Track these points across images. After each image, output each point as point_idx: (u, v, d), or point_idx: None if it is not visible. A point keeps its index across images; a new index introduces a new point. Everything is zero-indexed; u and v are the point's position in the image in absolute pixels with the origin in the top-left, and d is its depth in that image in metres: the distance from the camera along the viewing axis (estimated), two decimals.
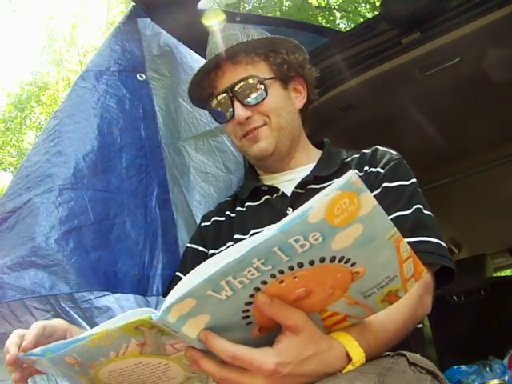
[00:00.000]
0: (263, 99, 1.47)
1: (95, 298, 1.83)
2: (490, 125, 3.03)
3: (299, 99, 1.59)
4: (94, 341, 0.81)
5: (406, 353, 0.98)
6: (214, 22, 2.18)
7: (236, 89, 1.47)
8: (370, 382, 0.83)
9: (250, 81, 1.47)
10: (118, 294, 1.86)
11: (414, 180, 1.40)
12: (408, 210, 1.31)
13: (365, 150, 1.52)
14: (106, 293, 1.84)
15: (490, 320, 2.92)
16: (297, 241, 0.71)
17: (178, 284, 0.77)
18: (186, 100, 2.29)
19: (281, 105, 1.51)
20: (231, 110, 1.48)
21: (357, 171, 1.42)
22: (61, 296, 1.75)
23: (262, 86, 1.47)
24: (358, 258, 0.77)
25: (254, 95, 1.47)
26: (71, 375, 0.92)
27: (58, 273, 1.56)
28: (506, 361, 2.34)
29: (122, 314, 0.88)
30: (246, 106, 1.47)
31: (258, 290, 0.77)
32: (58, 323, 1.15)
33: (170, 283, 1.65)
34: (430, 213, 1.34)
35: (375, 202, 0.73)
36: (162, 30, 2.32)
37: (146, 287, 1.81)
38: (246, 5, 10.02)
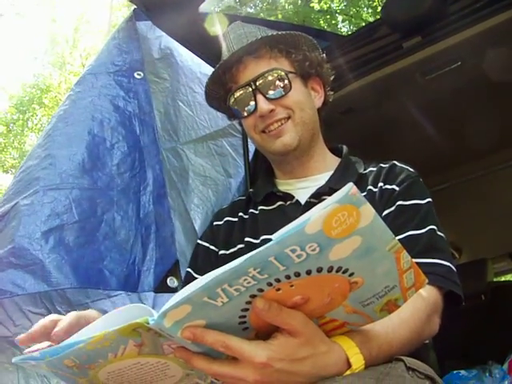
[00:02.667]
0: (287, 92, 1.44)
1: (91, 301, 1.82)
2: (491, 129, 3.03)
3: (317, 98, 1.57)
4: (91, 343, 0.81)
5: (403, 358, 0.98)
6: (215, 24, 2.18)
7: (259, 81, 1.44)
8: None
9: (275, 74, 1.44)
10: (115, 298, 1.86)
11: (430, 200, 1.38)
12: (421, 229, 1.30)
13: (382, 164, 1.49)
14: (103, 296, 1.84)
15: (491, 325, 2.91)
16: (293, 251, 0.70)
17: (177, 293, 0.77)
18: (185, 103, 2.29)
19: (304, 100, 1.49)
20: (253, 103, 1.45)
21: (372, 186, 1.42)
22: (56, 300, 1.75)
23: (286, 80, 1.45)
24: (357, 269, 0.77)
25: (277, 88, 1.44)
26: (70, 377, 0.92)
27: (35, 272, 1.57)
28: (505, 366, 2.33)
29: (118, 309, 0.87)
30: (269, 99, 1.44)
31: (254, 296, 0.77)
32: (91, 313, 1.11)
33: (184, 280, 1.64)
34: (442, 234, 1.33)
35: (375, 215, 0.71)
36: (164, 33, 2.32)
37: (137, 283, 1.80)
38: (248, 8, 10.04)
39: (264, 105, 1.43)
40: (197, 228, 2.14)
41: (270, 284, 0.75)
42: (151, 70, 2.26)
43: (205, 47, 2.32)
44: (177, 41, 2.32)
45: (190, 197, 2.18)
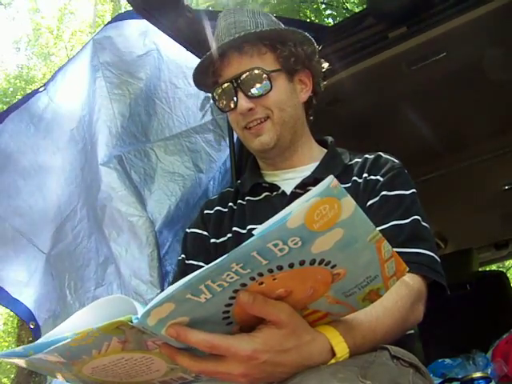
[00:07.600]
0: (267, 92, 1.45)
1: None
2: (476, 120, 3.05)
3: (304, 92, 1.56)
4: (75, 340, 0.80)
5: (388, 346, 0.98)
6: (205, 20, 2.17)
7: (241, 79, 1.45)
8: (352, 374, 0.83)
9: (255, 72, 1.45)
10: None
11: (414, 190, 1.39)
12: (406, 219, 1.30)
13: (367, 155, 1.50)
14: None
15: (476, 314, 2.95)
16: (275, 245, 0.70)
17: (161, 292, 0.76)
18: (163, 100, 2.31)
19: (285, 98, 1.49)
20: (235, 100, 1.46)
21: (356, 177, 1.43)
22: None
23: (267, 79, 1.45)
24: (339, 261, 0.77)
25: (258, 87, 1.45)
26: (54, 370, 0.92)
27: None
28: (489, 354, 2.36)
29: (101, 300, 0.87)
30: (250, 97, 1.45)
31: (237, 291, 0.77)
32: None
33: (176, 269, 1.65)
34: (427, 225, 1.33)
35: (356, 206, 0.72)
36: (149, 29, 2.30)
37: None
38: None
39: (244, 103, 1.44)
40: (158, 223, 2.22)
41: (252, 278, 0.75)
42: (127, 70, 2.26)
43: (199, 44, 2.30)
44: (175, 40, 2.29)
45: (155, 193, 2.25)
